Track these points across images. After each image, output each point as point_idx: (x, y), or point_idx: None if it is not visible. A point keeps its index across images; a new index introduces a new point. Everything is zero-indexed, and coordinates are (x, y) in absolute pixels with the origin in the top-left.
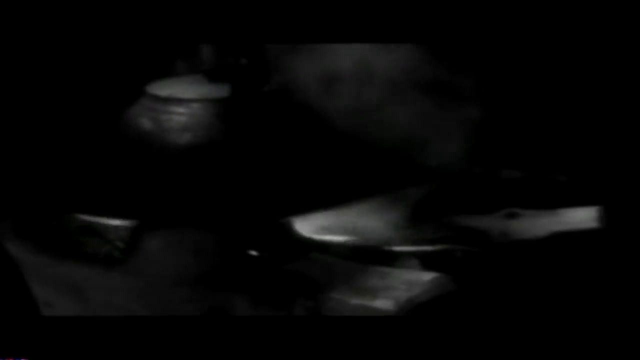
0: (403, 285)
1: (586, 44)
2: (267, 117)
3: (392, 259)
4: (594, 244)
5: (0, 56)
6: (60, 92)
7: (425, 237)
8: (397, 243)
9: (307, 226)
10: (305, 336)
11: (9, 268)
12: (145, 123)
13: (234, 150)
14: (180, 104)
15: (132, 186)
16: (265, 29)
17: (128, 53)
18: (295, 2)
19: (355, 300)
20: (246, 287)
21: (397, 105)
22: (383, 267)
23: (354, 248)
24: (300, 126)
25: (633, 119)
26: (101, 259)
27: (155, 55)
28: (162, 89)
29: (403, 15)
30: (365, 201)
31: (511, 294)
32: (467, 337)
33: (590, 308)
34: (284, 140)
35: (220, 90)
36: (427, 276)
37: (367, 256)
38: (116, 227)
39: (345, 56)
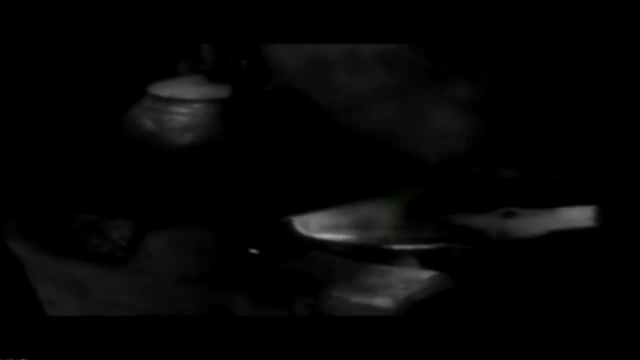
0: (402, 284)
1: (580, 44)
2: (267, 117)
3: (391, 258)
4: (591, 242)
5: (5, 56)
6: (62, 92)
7: (423, 236)
8: (396, 242)
9: (307, 225)
10: (305, 335)
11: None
12: (147, 123)
13: (235, 149)
14: (182, 104)
15: (134, 185)
16: (265, 29)
17: (130, 54)
18: (295, 2)
19: (355, 298)
20: (247, 285)
21: (395, 104)
22: (382, 265)
23: (354, 247)
24: (301, 126)
25: (629, 118)
26: (104, 257)
27: (156, 56)
28: (164, 89)
29: (403, 15)
30: (365, 200)
31: (508, 292)
32: (465, 335)
33: (587, 306)
34: (285, 140)
35: (221, 91)
36: (426, 274)
37: (366, 254)
38: (118, 226)
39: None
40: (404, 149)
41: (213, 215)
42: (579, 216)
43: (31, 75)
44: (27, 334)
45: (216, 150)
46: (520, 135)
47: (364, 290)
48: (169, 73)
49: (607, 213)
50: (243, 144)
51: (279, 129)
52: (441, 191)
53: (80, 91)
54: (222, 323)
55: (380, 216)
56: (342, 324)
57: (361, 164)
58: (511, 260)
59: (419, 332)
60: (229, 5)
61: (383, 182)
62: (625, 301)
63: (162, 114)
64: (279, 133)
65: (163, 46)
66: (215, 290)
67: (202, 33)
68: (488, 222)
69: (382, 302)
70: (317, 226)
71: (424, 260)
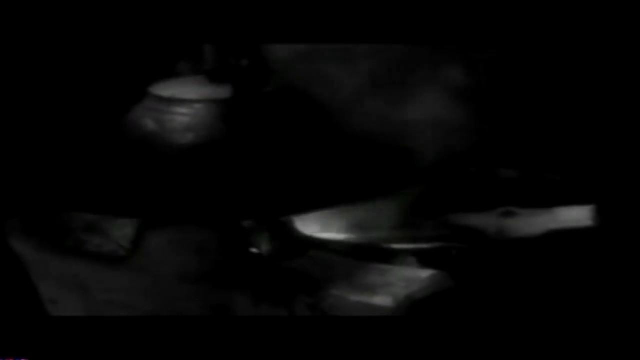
0: (401, 282)
1: (579, 43)
2: (268, 117)
3: (390, 257)
4: (589, 241)
5: (7, 56)
6: (64, 92)
7: (422, 235)
8: (395, 241)
9: (307, 224)
10: (305, 334)
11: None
12: (148, 123)
13: (236, 149)
14: (183, 104)
15: (136, 185)
16: (265, 29)
17: (131, 54)
18: (295, 2)
19: (355, 297)
20: (247, 284)
21: (393, 103)
22: (382, 264)
23: (354, 246)
24: (301, 126)
25: (627, 118)
26: (105, 256)
27: (158, 57)
28: (165, 89)
29: (403, 15)
30: (364, 200)
31: (507, 291)
32: (464, 333)
33: (585, 305)
34: (285, 140)
35: (222, 91)
36: (425, 273)
37: (366, 253)
38: (120, 226)
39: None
40: (402, 147)
41: (213, 215)
42: (578, 216)
43: (33, 76)
44: (28, 333)
45: (217, 150)
46: (518, 134)
47: (363, 289)
48: (170, 73)
49: (606, 212)
50: (244, 144)
51: (279, 129)
52: (440, 190)
53: (81, 91)
54: (223, 322)
55: (380, 215)
56: (342, 322)
57: (360, 163)
58: (510, 259)
59: (419, 330)
60: (229, 6)
61: (382, 181)
62: (623, 301)
63: (163, 114)
64: (280, 133)
65: (164, 47)
66: (215, 290)
67: (202, 33)
68: (487, 221)
69: (382, 300)
70: (317, 226)
71: (423, 259)
